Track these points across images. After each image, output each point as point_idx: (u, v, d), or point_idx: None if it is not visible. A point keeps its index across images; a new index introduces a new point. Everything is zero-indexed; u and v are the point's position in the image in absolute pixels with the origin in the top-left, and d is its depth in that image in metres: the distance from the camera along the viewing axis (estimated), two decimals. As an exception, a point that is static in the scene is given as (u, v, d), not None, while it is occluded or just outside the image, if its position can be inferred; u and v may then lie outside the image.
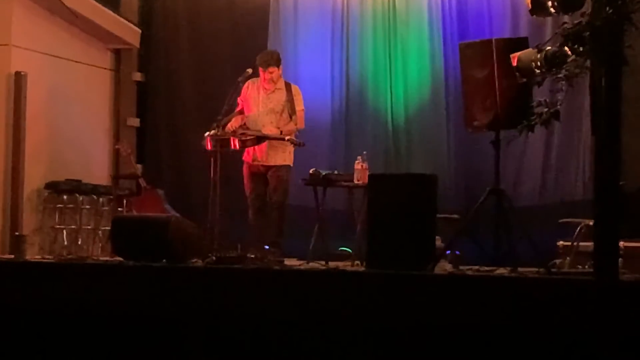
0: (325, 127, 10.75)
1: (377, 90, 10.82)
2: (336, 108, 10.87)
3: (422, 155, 10.60)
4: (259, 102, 8.95)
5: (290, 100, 8.89)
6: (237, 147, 8.64)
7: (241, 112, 8.97)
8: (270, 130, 8.78)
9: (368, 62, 10.89)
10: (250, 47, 10.06)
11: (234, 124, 8.77)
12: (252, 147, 8.85)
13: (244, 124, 8.86)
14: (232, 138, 8.59)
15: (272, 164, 8.86)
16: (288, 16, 11.09)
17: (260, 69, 8.92)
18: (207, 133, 8.55)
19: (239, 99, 8.98)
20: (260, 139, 8.71)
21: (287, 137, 8.72)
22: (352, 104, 10.89)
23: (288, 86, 9.00)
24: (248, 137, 8.68)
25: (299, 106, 8.95)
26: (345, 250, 9.03)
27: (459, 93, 10.05)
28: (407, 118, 10.72)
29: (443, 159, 10.53)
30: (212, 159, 8.44)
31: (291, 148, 8.92)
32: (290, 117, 8.88)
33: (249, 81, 8.94)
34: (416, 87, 10.75)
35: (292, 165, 8.98)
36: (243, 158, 8.98)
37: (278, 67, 8.96)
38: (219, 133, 8.50)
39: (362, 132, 10.77)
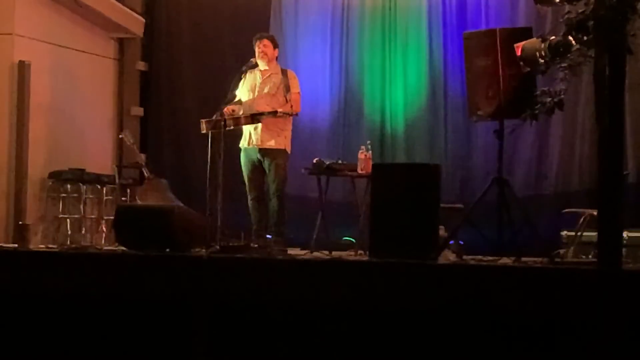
0: (323, 116, 10.79)
1: (375, 80, 10.85)
2: (335, 97, 10.89)
3: (419, 145, 10.63)
4: (255, 88, 8.97)
5: (285, 82, 8.90)
6: (232, 126, 8.62)
7: (239, 103, 8.98)
8: (265, 110, 8.77)
9: (367, 51, 10.92)
10: (253, 36, 10.05)
11: (229, 109, 8.79)
12: (247, 132, 8.84)
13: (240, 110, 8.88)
14: (226, 119, 8.59)
15: (267, 147, 8.83)
16: (289, 5, 11.11)
17: (256, 43, 8.94)
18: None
19: (236, 92, 8.96)
20: (254, 116, 8.70)
21: (279, 110, 8.71)
22: (351, 93, 10.92)
23: (284, 71, 9.02)
24: (242, 116, 8.70)
25: (295, 89, 8.95)
26: (349, 239, 9.03)
27: (457, 83, 10.11)
28: (405, 107, 10.73)
29: (440, 149, 10.55)
30: (210, 142, 8.42)
31: (287, 133, 8.90)
32: (286, 100, 8.88)
33: (248, 72, 8.95)
34: (415, 77, 10.77)
35: (289, 151, 8.95)
36: (239, 145, 8.97)
37: (273, 46, 8.99)
38: (215, 117, 8.53)
39: (359, 121, 10.80)
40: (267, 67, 8.96)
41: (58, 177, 10.24)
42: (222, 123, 8.42)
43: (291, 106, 8.80)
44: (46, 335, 6.88)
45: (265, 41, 8.98)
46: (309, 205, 9.79)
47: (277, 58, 9.10)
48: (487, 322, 5.99)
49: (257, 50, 8.95)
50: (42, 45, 10.30)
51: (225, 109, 8.69)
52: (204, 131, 8.51)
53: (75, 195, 10.37)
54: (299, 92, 8.98)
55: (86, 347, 6.80)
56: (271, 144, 8.82)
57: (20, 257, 7.45)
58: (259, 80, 8.98)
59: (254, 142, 8.86)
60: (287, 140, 8.89)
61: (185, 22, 11.48)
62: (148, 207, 8.58)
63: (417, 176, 7.32)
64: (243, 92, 8.99)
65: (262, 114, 8.68)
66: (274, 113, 8.69)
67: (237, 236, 8.14)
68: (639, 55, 6.32)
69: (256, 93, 8.95)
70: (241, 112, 8.81)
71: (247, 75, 8.97)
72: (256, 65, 8.95)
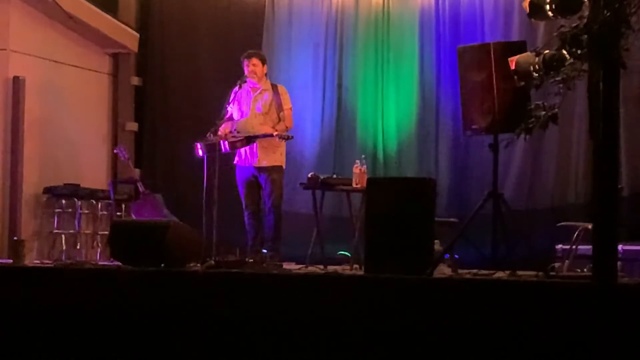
0: (316, 131, 10.80)
1: (368, 95, 10.85)
2: (327, 112, 10.90)
3: (412, 159, 10.63)
4: (248, 105, 8.98)
5: (277, 99, 8.92)
6: (228, 149, 8.64)
7: (231, 119, 8.99)
8: (260, 131, 8.79)
9: (361, 67, 10.94)
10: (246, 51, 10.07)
11: (224, 129, 8.79)
12: (242, 150, 8.85)
13: (235, 129, 8.88)
14: (221, 141, 8.60)
15: (263, 165, 8.85)
16: (282, 20, 11.15)
17: (245, 62, 8.97)
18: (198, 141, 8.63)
19: (228, 106, 8.97)
20: (249, 139, 8.72)
21: (275, 133, 8.73)
22: (343, 108, 10.94)
23: (274, 87, 9.06)
24: (237, 139, 8.71)
25: (287, 104, 8.99)
26: (344, 254, 9.02)
27: (450, 97, 10.12)
28: (398, 122, 10.74)
29: (434, 163, 10.56)
30: (205, 165, 8.45)
31: (282, 149, 8.93)
32: (279, 117, 8.90)
33: (239, 88, 8.95)
34: (408, 91, 10.77)
35: (284, 166, 8.97)
36: (234, 163, 8.98)
37: (262, 63, 9.03)
38: (210, 138, 8.54)
39: (352, 136, 10.81)
40: (257, 85, 8.99)
41: (53, 193, 10.24)
42: (218, 147, 8.45)
43: (286, 127, 8.83)
44: (41, 352, 6.85)
45: (254, 60, 8.99)
46: (304, 219, 9.78)
47: (266, 74, 9.12)
48: (482, 336, 5.98)
49: (246, 68, 8.97)
50: (36, 61, 10.31)
51: (220, 130, 8.69)
52: (199, 154, 8.54)
53: (70, 210, 10.37)
54: (290, 108, 9.03)
55: (81, 363, 6.78)
56: (266, 162, 8.84)
57: (15, 273, 7.42)
58: (250, 96, 8.99)
59: (250, 161, 8.87)
60: (282, 157, 8.92)
61: (179, 37, 11.49)
62: (143, 223, 8.58)
63: (413, 190, 7.32)
64: (234, 107, 9.00)
65: (257, 136, 8.70)
66: (269, 136, 8.72)
67: (232, 251, 8.13)
68: (633, 69, 6.33)
69: (248, 110, 8.96)
70: (234, 129, 8.82)
71: (237, 90, 8.98)
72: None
